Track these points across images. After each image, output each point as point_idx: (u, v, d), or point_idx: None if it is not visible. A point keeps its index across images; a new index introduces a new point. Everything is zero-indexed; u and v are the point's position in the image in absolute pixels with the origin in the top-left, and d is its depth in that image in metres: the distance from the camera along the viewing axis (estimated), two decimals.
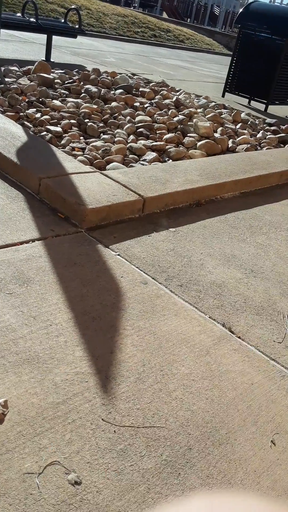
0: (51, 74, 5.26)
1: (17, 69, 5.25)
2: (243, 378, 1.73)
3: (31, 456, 1.24)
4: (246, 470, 1.37)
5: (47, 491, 1.17)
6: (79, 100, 4.55)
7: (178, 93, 6.15)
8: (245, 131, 5.11)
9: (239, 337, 1.97)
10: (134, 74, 7.03)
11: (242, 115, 5.77)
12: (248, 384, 1.70)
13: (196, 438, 1.42)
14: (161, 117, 4.61)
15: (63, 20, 7.25)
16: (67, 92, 4.79)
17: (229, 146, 4.50)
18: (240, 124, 5.36)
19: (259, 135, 5.21)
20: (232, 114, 5.63)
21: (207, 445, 1.41)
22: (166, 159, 3.79)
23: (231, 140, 4.61)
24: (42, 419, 1.36)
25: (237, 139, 4.74)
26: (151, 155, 3.68)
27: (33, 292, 1.91)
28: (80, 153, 3.42)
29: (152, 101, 5.23)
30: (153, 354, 1.73)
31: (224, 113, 5.68)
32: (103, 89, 5.04)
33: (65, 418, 1.38)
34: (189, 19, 26.78)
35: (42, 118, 3.79)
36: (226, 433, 1.47)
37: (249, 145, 4.62)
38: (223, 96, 7.28)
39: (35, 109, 4.03)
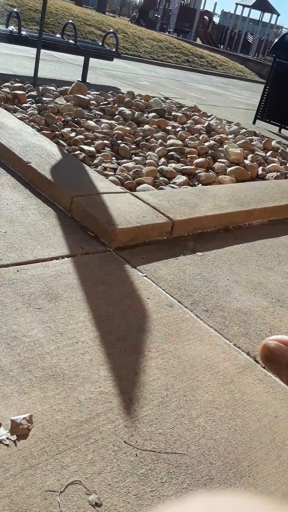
0: (87, 95, 5.39)
1: (54, 88, 5.41)
2: (267, 409, 1.70)
3: (53, 474, 1.25)
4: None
5: (67, 510, 1.17)
6: (113, 122, 4.64)
7: (209, 119, 6.22)
8: (275, 159, 5.12)
9: (264, 367, 1.95)
10: (167, 98, 7.16)
11: (273, 143, 5.79)
12: (272, 417, 1.68)
13: (218, 468, 1.40)
14: (192, 142, 4.66)
15: (100, 43, 7.46)
16: (101, 113, 4.91)
17: (259, 173, 4.51)
18: (270, 151, 5.38)
19: None
20: (263, 141, 5.66)
21: (229, 476, 1.39)
22: (196, 183, 3.82)
23: (261, 167, 4.63)
24: (65, 437, 1.36)
25: (267, 167, 4.75)
26: (181, 178, 3.72)
27: (61, 309, 1.93)
28: (112, 173, 3.48)
29: (184, 125, 5.30)
30: (177, 379, 1.73)
31: (255, 140, 5.71)
32: (136, 112, 5.14)
33: (88, 437, 1.38)
34: (222, 46, 27.18)
35: (76, 138, 3.89)
36: (248, 465, 1.45)
37: (279, 173, 4.63)
38: (254, 123, 7.33)
39: (70, 129, 4.13)
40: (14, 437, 1.32)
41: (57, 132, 3.97)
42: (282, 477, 1.44)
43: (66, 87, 5.53)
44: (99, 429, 1.42)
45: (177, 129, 5.08)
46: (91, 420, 1.44)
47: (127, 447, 1.39)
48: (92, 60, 6.92)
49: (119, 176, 3.40)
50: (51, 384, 1.54)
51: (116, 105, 5.38)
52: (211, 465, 1.41)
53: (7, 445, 1.29)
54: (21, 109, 4.32)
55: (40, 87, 5.23)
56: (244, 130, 6.09)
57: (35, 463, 1.26)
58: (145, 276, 2.38)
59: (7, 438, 1.31)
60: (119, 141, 4.11)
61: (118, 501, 1.23)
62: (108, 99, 5.59)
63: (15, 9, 6.65)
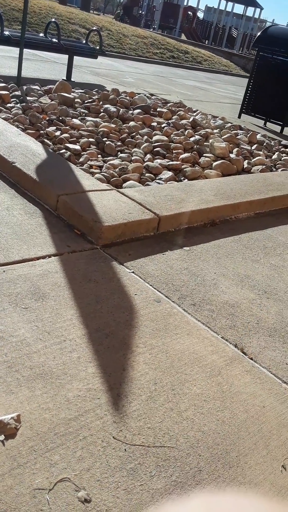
0: (72, 93, 5.37)
1: (38, 88, 5.38)
2: (255, 400, 1.72)
3: (42, 472, 1.25)
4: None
5: (57, 508, 1.17)
6: (98, 119, 4.63)
7: (195, 114, 6.22)
8: (261, 152, 5.14)
9: (251, 359, 1.97)
10: (152, 95, 7.15)
11: (258, 136, 5.81)
12: (259, 407, 1.69)
13: (206, 460, 1.42)
14: (178, 137, 4.67)
15: (84, 41, 7.43)
16: (86, 111, 4.89)
17: (245, 166, 4.53)
18: (255, 145, 5.40)
19: (274, 156, 5.23)
20: (248, 135, 5.68)
21: (218, 468, 1.40)
22: (182, 178, 3.83)
23: (246, 161, 4.65)
24: (53, 435, 1.37)
25: (253, 160, 4.77)
26: (167, 174, 3.73)
27: (48, 307, 1.93)
28: (98, 171, 3.47)
29: (169, 121, 5.31)
30: (165, 373, 1.74)
31: (240, 134, 5.73)
32: (121, 109, 5.13)
33: (76, 434, 1.39)
34: (207, 41, 27.19)
35: (61, 136, 3.87)
36: (236, 455, 1.46)
37: (264, 166, 4.65)
38: (239, 117, 7.35)
39: (55, 127, 4.12)
40: (2, 437, 1.32)
41: (42, 132, 3.96)
42: (270, 466, 1.46)
43: (50, 86, 5.51)
44: (87, 426, 1.43)
45: (163, 125, 5.08)
46: (80, 417, 1.45)
47: (116, 442, 1.40)
48: (76, 59, 6.90)
49: (105, 174, 3.40)
50: (39, 383, 1.54)
51: (101, 102, 5.37)
52: (200, 457, 1.42)
53: None
54: (5, 109, 4.30)
55: (24, 87, 5.20)
56: (229, 124, 6.10)
57: (24, 462, 1.27)
58: (132, 272, 2.39)
59: None
60: (104, 139, 4.10)
61: (108, 496, 1.24)
62: (93, 97, 5.57)
63: None
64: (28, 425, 1.38)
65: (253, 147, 5.29)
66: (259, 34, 7.31)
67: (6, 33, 5.59)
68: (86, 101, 5.29)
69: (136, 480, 1.30)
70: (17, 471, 1.24)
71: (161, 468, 1.35)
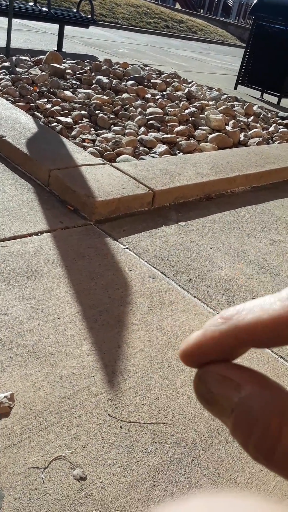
0: (63, 64, 5.22)
1: (28, 59, 5.22)
2: None
3: (37, 451, 1.24)
4: (253, 470, 1.35)
5: (52, 486, 1.16)
6: (90, 91, 4.51)
7: (190, 85, 6.08)
8: (257, 125, 5.05)
9: None
10: (146, 65, 6.97)
11: (255, 108, 5.70)
12: None
13: (202, 436, 1.41)
14: (173, 109, 4.56)
15: (75, 10, 7.19)
16: (78, 83, 4.76)
17: (241, 139, 4.44)
18: (252, 117, 5.30)
19: (271, 128, 5.14)
20: (245, 107, 5.56)
21: (214, 443, 1.40)
22: (177, 152, 3.75)
23: (242, 133, 4.56)
24: (48, 413, 1.35)
25: (249, 133, 4.69)
26: (161, 147, 3.65)
27: (41, 285, 1.90)
28: (91, 144, 3.39)
29: (164, 92, 5.18)
30: (160, 350, 1.72)
31: (236, 106, 5.62)
32: (114, 80, 4.99)
33: (71, 412, 1.37)
34: (202, 10, 26.47)
35: (53, 109, 3.77)
36: None
37: (261, 138, 4.57)
38: (235, 88, 7.20)
39: (46, 100, 4.01)
40: None
41: (32, 104, 3.85)
42: None
43: (40, 57, 5.34)
44: (82, 404, 1.41)
45: (157, 97, 4.96)
46: (74, 395, 1.43)
47: (111, 420, 1.38)
48: (68, 29, 6.68)
49: (98, 148, 3.32)
50: (32, 361, 1.52)
51: (93, 73, 5.23)
52: (196, 433, 1.41)
53: None
54: None
55: (14, 58, 5.04)
56: (225, 96, 5.98)
57: (18, 440, 1.25)
58: (127, 248, 2.35)
59: None
60: (97, 111, 4.00)
61: (103, 473, 1.23)
62: (85, 68, 5.42)
63: None
64: (22, 403, 1.36)
65: (249, 119, 5.18)
66: (255, 2, 7.09)
67: None
68: (77, 72, 5.14)
69: (132, 457, 1.29)
70: (11, 450, 1.23)
71: (157, 445, 1.34)
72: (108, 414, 1.40)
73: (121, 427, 1.37)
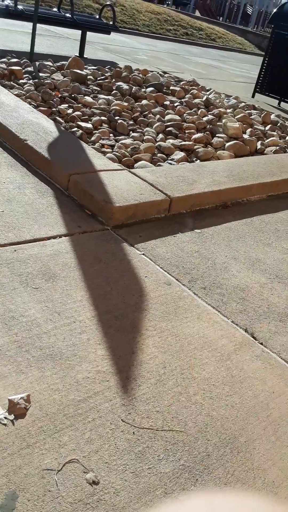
0: (84, 70, 5.28)
1: (51, 64, 5.30)
2: (264, 386, 1.71)
3: (51, 453, 1.25)
4: (265, 480, 1.35)
5: (65, 489, 1.18)
6: (110, 97, 4.56)
7: (208, 93, 6.10)
8: (274, 133, 5.04)
9: (261, 344, 1.95)
10: (165, 72, 7.01)
11: (272, 116, 5.70)
12: (269, 392, 1.68)
13: (214, 445, 1.41)
14: (191, 117, 4.58)
15: (97, 16, 7.27)
16: (98, 89, 4.81)
17: (258, 148, 4.44)
18: (269, 125, 5.29)
19: None
20: (262, 115, 5.56)
21: (226, 453, 1.40)
22: (194, 159, 3.77)
23: (259, 141, 4.56)
24: (63, 416, 1.37)
25: (266, 141, 4.68)
26: (179, 154, 3.67)
27: (58, 288, 1.92)
28: (109, 150, 3.43)
29: (182, 100, 5.21)
30: (174, 357, 1.73)
31: (254, 114, 5.62)
32: (134, 87, 5.04)
33: (85, 416, 1.39)
34: (221, 18, 26.52)
35: (73, 114, 3.82)
36: (245, 441, 1.46)
37: (278, 147, 4.56)
38: (253, 96, 7.20)
39: (67, 105, 4.06)
40: (11, 417, 1.33)
41: (54, 109, 3.90)
42: (278, 452, 1.45)
43: (63, 62, 5.42)
44: (96, 408, 1.43)
45: (175, 104, 4.99)
46: (89, 399, 1.45)
47: (125, 425, 1.40)
48: (89, 35, 6.76)
49: (117, 153, 3.36)
50: (48, 363, 1.54)
51: (113, 80, 5.28)
52: (208, 442, 1.42)
53: (4, 424, 1.30)
54: (17, 86, 4.24)
55: (37, 63, 5.12)
56: (243, 104, 5.98)
57: (33, 442, 1.27)
58: (143, 254, 2.37)
59: (5, 418, 1.32)
60: (116, 117, 4.04)
61: (115, 478, 1.24)
62: (106, 74, 5.47)
63: None
64: (38, 405, 1.38)
65: (266, 128, 5.18)
66: (275, 10, 7.09)
67: (20, 7, 5.48)
68: (98, 78, 5.20)
69: (144, 463, 1.30)
70: (26, 451, 1.25)
71: (169, 452, 1.35)
72: (122, 420, 1.41)
73: (134, 433, 1.38)
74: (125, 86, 4.91)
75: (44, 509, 1.12)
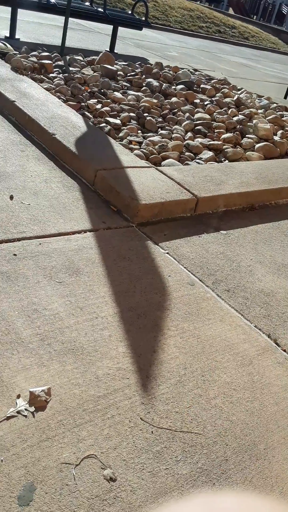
0: (114, 65, 5.28)
1: (81, 58, 5.31)
2: (286, 393, 1.68)
3: (70, 447, 1.26)
4: (282, 490, 1.33)
5: (82, 484, 1.18)
6: (139, 94, 4.55)
7: (239, 92, 6.03)
8: None
9: (284, 350, 1.92)
10: (196, 70, 6.96)
11: None
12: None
13: (233, 450, 1.40)
14: (221, 116, 4.54)
15: (130, 12, 7.26)
16: (128, 85, 4.81)
17: None
18: None
19: None
20: None
21: (244, 459, 1.38)
22: (223, 159, 3.73)
23: None
24: (82, 411, 1.37)
25: None
26: (207, 154, 3.64)
27: (81, 283, 1.93)
28: (137, 147, 3.42)
29: (213, 98, 5.16)
30: (195, 358, 1.72)
31: (286, 116, 5.52)
32: (164, 84, 5.01)
33: (104, 412, 1.39)
34: (255, 17, 26.20)
35: (102, 110, 3.82)
36: (264, 448, 1.44)
37: None
38: (285, 97, 7.09)
39: (96, 100, 4.06)
40: (32, 409, 1.34)
41: (83, 104, 3.91)
42: None
43: (93, 57, 5.42)
44: (116, 405, 1.43)
45: (205, 103, 4.94)
46: (108, 396, 1.45)
47: (143, 424, 1.39)
48: (120, 30, 6.76)
49: (144, 150, 3.35)
50: (69, 358, 1.55)
51: (143, 76, 5.26)
52: (227, 446, 1.40)
53: (25, 416, 1.31)
54: (47, 79, 4.26)
55: (67, 57, 5.14)
56: (275, 105, 5.89)
57: (52, 435, 1.28)
58: (167, 253, 2.36)
59: (26, 409, 1.33)
60: (145, 114, 4.03)
61: (133, 477, 1.24)
62: (136, 70, 5.46)
63: None
64: (58, 399, 1.39)
65: None
66: None
67: (52, 0, 5.51)
68: (128, 74, 5.19)
69: (162, 463, 1.30)
70: (46, 443, 1.25)
71: (187, 454, 1.34)
72: (141, 418, 1.41)
73: (152, 432, 1.38)
74: (155, 83, 4.89)
75: (61, 503, 1.13)
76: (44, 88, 3.94)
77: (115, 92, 4.35)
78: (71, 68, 4.78)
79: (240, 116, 4.71)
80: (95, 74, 4.68)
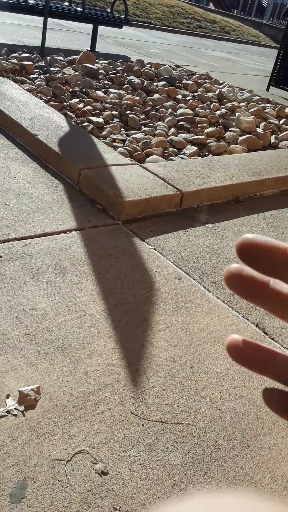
0: (96, 64, 5.28)
1: (62, 58, 5.30)
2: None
3: (61, 443, 1.27)
4: (274, 475, 1.35)
5: (74, 479, 1.19)
6: (121, 91, 4.55)
7: (221, 86, 6.06)
8: None
9: (272, 339, 1.94)
10: (177, 66, 6.97)
11: (287, 110, 5.63)
12: (280, 387, 1.67)
13: (224, 438, 1.42)
14: (203, 110, 4.55)
15: (109, 10, 7.25)
16: (110, 83, 4.80)
17: (272, 141, 4.40)
18: (284, 119, 5.23)
19: None
20: (276, 109, 5.50)
21: (235, 446, 1.40)
22: (206, 153, 3.75)
23: (273, 135, 4.51)
24: (72, 408, 1.38)
25: (280, 135, 4.64)
26: (191, 149, 3.65)
27: (68, 282, 1.93)
28: (120, 144, 3.43)
29: (195, 93, 5.18)
30: (184, 351, 1.73)
31: (268, 108, 5.56)
32: (146, 81, 5.02)
33: (95, 408, 1.40)
34: (236, 10, 26.25)
35: (84, 109, 3.82)
36: (255, 435, 1.46)
37: None
38: (267, 90, 7.12)
39: (78, 99, 4.06)
40: (22, 408, 1.34)
41: (65, 104, 3.91)
42: None
43: (74, 57, 5.42)
44: (106, 400, 1.44)
45: (188, 98, 4.96)
46: (98, 392, 1.46)
47: (134, 417, 1.41)
48: (101, 28, 6.74)
49: (128, 148, 3.35)
50: (58, 356, 1.55)
51: (125, 74, 5.27)
52: (217, 435, 1.42)
53: (15, 415, 1.32)
54: (28, 80, 4.25)
55: (48, 57, 5.12)
56: (257, 97, 5.92)
57: (43, 432, 1.29)
58: (154, 248, 2.37)
59: (15, 409, 1.33)
60: (128, 112, 4.03)
61: (124, 469, 1.25)
62: (117, 68, 5.46)
63: None
64: (48, 397, 1.40)
65: (281, 121, 5.13)
66: None
67: (31, 1, 5.48)
68: (110, 72, 5.19)
69: (153, 455, 1.31)
70: (36, 441, 1.26)
71: (178, 445, 1.36)
72: (131, 412, 1.42)
73: (143, 425, 1.39)
74: (136, 80, 4.89)
75: (53, 498, 1.13)
76: (25, 89, 3.93)
77: (97, 91, 4.35)
78: (52, 69, 4.77)
79: (223, 110, 4.73)
80: (76, 73, 4.67)
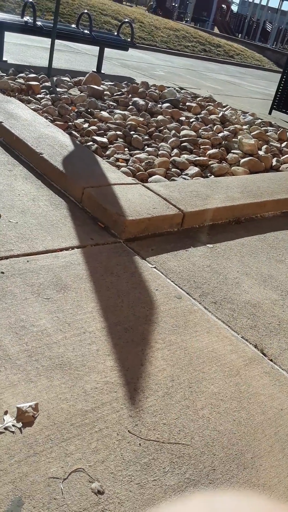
0: (101, 85, 5.38)
1: (68, 79, 5.41)
2: (273, 402, 1.70)
3: (57, 461, 1.27)
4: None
5: (70, 497, 1.19)
6: (126, 112, 4.63)
7: (224, 109, 6.15)
8: None
9: (271, 360, 1.95)
10: (181, 88, 7.10)
11: None
12: (277, 409, 1.67)
13: (221, 459, 1.41)
14: (206, 132, 4.63)
15: (116, 33, 7.42)
16: (115, 104, 4.89)
17: (273, 164, 4.46)
18: (285, 142, 5.31)
19: None
20: (278, 132, 5.58)
21: (232, 468, 1.40)
22: (209, 174, 3.80)
23: (275, 158, 4.57)
24: (70, 425, 1.38)
25: (282, 158, 4.70)
26: (193, 170, 3.70)
27: (69, 299, 1.95)
28: (124, 164, 3.48)
29: (198, 116, 5.26)
30: (182, 370, 1.74)
31: (270, 131, 5.64)
32: (150, 102, 5.11)
33: (92, 426, 1.40)
34: (240, 35, 26.78)
35: (89, 129, 3.89)
36: (251, 457, 1.45)
37: None
38: (270, 113, 7.23)
39: (83, 119, 4.13)
40: (19, 425, 1.34)
41: (70, 123, 3.98)
42: (285, 469, 1.44)
43: (80, 78, 5.52)
44: (103, 418, 1.44)
45: (191, 120, 5.04)
46: (96, 410, 1.46)
47: (131, 436, 1.41)
48: (107, 50, 6.89)
49: (131, 167, 3.40)
50: (57, 373, 1.56)
51: (130, 95, 5.36)
52: (214, 456, 1.42)
53: (12, 432, 1.32)
54: (35, 100, 4.34)
55: (55, 78, 5.23)
56: (259, 120, 6.01)
57: (40, 450, 1.29)
58: (154, 267, 2.39)
59: (13, 425, 1.34)
60: (132, 132, 4.10)
61: (121, 489, 1.25)
62: (122, 90, 5.57)
63: None
64: (46, 414, 1.40)
65: (283, 145, 5.20)
66: None
67: (39, 23, 5.63)
68: (115, 94, 5.29)
69: (150, 475, 1.31)
70: (33, 458, 1.26)
71: (175, 465, 1.36)
72: (128, 431, 1.42)
73: (140, 444, 1.39)
74: (141, 102, 4.98)
75: None
76: (32, 108, 4.00)
77: (102, 112, 4.43)
78: (58, 89, 4.86)
79: (225, 132, 4.80)
80: (82, 94, 4.76)
